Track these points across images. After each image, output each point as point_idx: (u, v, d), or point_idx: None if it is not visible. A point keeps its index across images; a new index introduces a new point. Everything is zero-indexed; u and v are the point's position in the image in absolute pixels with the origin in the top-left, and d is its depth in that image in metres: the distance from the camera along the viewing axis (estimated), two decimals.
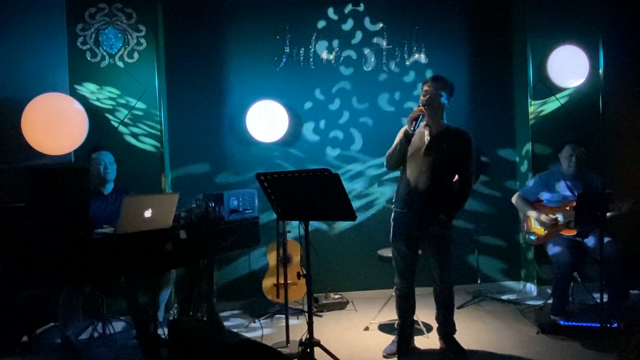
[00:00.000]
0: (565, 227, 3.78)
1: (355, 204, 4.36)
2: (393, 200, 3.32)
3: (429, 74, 4.69)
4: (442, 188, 3.12)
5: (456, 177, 3.18)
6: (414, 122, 3.01)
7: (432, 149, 3.11)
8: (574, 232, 3.76)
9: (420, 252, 3.29)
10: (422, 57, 4.72)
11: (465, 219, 4.69)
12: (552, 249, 3.78)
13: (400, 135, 3.16)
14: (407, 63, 4.72)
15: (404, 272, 3.23)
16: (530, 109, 4.52)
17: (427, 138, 3.13)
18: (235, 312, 4.35)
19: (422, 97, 3.13)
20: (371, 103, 4.69)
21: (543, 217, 3.85)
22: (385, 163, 3.27)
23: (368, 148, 4.68)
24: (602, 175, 4.06)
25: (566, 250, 3.68)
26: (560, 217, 3.80)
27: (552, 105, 4.53)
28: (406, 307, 3.28)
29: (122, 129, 4.12)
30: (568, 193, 3.87)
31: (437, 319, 3.31)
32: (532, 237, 4.02)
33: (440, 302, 3.25)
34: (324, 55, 4.62)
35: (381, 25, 4.68)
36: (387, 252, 3.88)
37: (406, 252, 3.20)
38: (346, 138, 4.69)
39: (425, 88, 3.14)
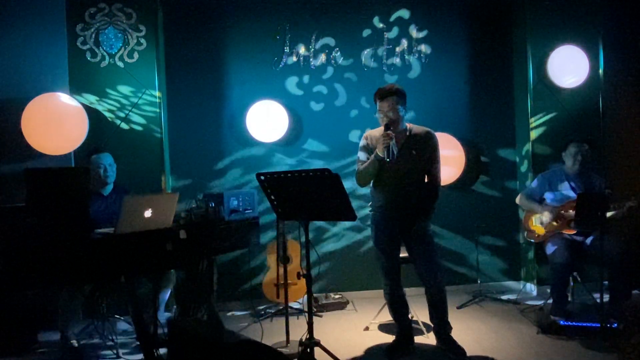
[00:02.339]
0: (566, 226, 3.78)
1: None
2: (370, 204, 3.32)
3: (428, 73, 4.71)
4: (417, 191, 3.16)
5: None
6: (387, 150, 2.98)
7: (402, 158, 3.11)
8: (574, 231, 3.76)
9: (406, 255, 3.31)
10: (421, 57, 4.73)
11: (465, 219, 4.69)
12: (550, 249, 3.78)
13: (370, 158, 3.12)
14: (407, 63, 4.72)
15: (390, 272, 3.23)
16: (530, 109, 4.52)
17: (394, 148, 3.06)
18: (235, 312, 4.35)
19: (382, 118, 3.10)
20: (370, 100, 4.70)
21: (546, 215, 3.85)
22: (356, 181, 3.25)
23: None
24: (603, 176, 4.06)
25: (563, 251, 3.68)
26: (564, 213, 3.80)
27: (552, 105, 4.53)
28: (399, 308, 3.29)
29: (121, 128, 4.12)
30: (571, 193, 3.86)
31: (432, 320, 3.30)
32: (532, 241, 4.02)
33: (432, 303, 3.24)
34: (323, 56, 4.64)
35: (381, 25, 4.68)
36: None
37: (389, 251, 3.21)
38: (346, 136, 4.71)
39: (383, 108, 3.09)
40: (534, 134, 4.52)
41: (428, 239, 3.19)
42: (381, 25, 4.68)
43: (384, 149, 2.99)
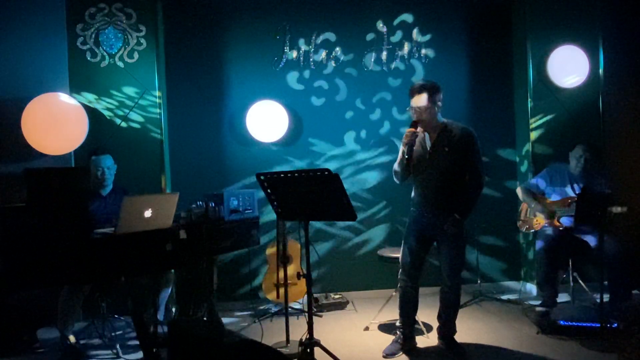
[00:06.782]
0: (556, 221, 3.84)
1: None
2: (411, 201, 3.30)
3: (430, 75, 4.71)
4: (453, 188, 3.10)
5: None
6: (407, 147, 2.99)
7: (435, 155, 3.09)
8: (562, 226, 3.82)
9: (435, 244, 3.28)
10: (422, 57, 4.72)
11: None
12: (539, 243, 3.89)
13: (399, 155, 3.14)
14: (407, 63, 4.72)
15: (409, 268, 3.20)
16: (530, 109, 4.52)
17: (428, 144, 3.11)
18: (235, 312, 4.35)
19: (412, 114, 3.07)
20: (368, 101, 4.71)
21: (539, 209, 3.90)
22: (394, 178, 3.25)
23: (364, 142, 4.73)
24: (605, 177, 4.07)
25: (549, 239, 3.78)
26: (556, 209, 3.84)
27: (552, 105, 4.53)
28: (409, 305, 3.27)
29: (121, 129, 4.12)
30: (571, 192, 3.89)
31: (439, 318, 3.30)
32: (526, 231, 4.12)
33: (445, 302, 3.24)
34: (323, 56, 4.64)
35: (381, 25, 4.68)
36: (387, 252, 3.88)
37: (416, 247, 3.18)
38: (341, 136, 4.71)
39: (414, 105, 3.05)
40: (534, 134, 4.52)
41: (459, 239, 3.15)
42: (384, 28, 4.67)
43: (406, 145, 3.00)
